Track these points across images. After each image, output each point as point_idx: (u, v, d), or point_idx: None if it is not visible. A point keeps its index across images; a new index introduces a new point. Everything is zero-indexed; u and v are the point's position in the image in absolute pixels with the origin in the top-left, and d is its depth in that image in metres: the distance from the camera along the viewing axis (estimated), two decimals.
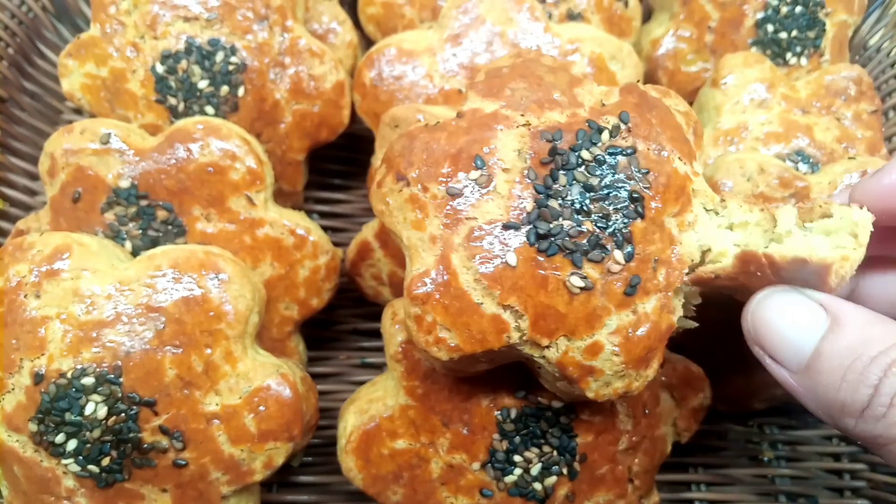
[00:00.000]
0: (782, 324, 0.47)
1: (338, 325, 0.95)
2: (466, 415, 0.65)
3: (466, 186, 0.52)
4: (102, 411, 0.62)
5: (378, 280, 0.84)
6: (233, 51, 0.80)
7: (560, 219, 0.51)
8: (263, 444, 0.66)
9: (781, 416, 0.91)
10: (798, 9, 0.92)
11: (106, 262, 0.66)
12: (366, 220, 0.94)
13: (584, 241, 0.51)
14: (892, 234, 0.52)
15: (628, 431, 0.68)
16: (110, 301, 0.63)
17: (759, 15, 0.92)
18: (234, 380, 0.65)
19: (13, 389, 0.63)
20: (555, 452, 0.65)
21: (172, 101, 0.80)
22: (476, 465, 0.66)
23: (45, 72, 0.98)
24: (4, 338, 0.63)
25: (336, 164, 1.02)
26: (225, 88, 0.80)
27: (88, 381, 0.61)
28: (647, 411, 0.70)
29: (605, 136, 0.53)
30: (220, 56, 0.79)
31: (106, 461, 0.63)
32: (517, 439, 0.65)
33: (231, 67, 0.80)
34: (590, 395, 0.53)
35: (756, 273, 0.51)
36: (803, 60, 0.93)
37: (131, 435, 0.63)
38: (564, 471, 0.66)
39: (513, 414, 0.65)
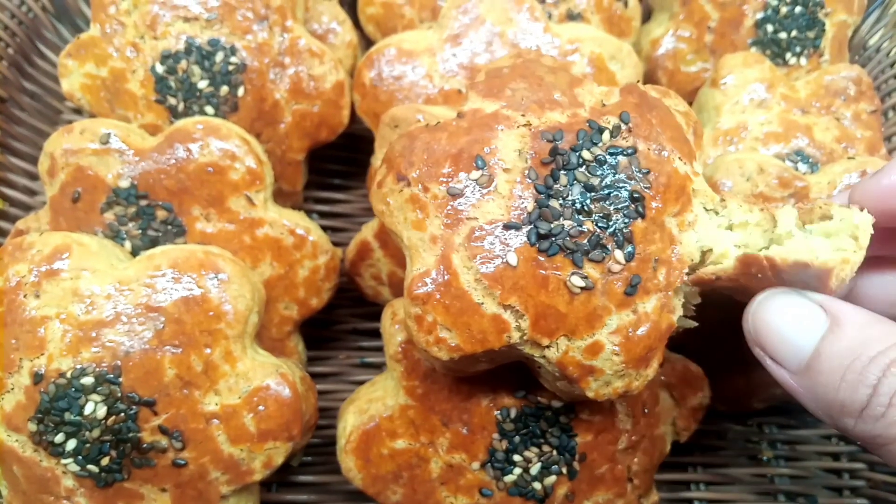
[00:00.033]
0: (782, 325, 0.48)
1: (337, 325, 0.95)
2: (466, 414, 0.65)
3: (467, 186, 0.52)
4: (102, 411, 0.62)
5: (377, 280, 0.84)
6: (233, 51, 0.80)
7: (561, 219, 0.51)
8: (263, 444, 0.66)
9: (780, 415, 0.91)
10: (797, 9, 0.92)
11: (105, 262, 0.66)
12: (365, 220, 0.94)
13: (585, 240, 0.51)
14: (890, 235, 0.52)
15: (628, 431, 0.68)
16: (110, 301, 0.63)
17: (759, 15, 0.92)
18: (233, 379, 0.65)
19: (13, 389, 0.63)
20: (554, 452, 0.65)
21: (172, 101, 0.80)
22: (476, 465, 0.66)
23: (45, 72, 0.98)
24: (4, 337, 0.63)
25: (336, 164, 1.02)
26: (225, 88, 0.80)
27: (88, 380, 0.61)
28: (646, 411, 0.70)
29: (606, 136, 0.53)
30: (219, 56, 0.79)
31: (105, 461, 0.63)
32: (517, 439, 0.65)
33: (231, 67, 0.80)
34: (590, 394, 0.53)
35: (757, 275, 0.51)
36: (803, 60, 0.93)
37: (131, 435, 0.63)
38: (564, 470, 0.66)
39: (512, 413, 0.65)
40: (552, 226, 0.51)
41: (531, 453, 0.65)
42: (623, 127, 0.54)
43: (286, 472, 0.83)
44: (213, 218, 0.74)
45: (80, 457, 0.62)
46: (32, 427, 0.62)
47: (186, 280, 0.65)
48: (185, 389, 0.64)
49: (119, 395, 0.62)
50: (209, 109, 0.80)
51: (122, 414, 0.62)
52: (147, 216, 0.73)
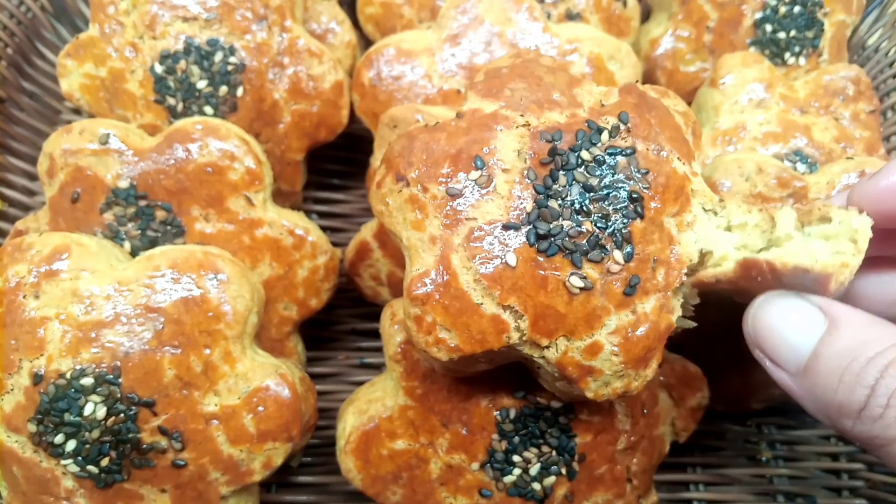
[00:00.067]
0: (781, 327, 0.48)
1: (336, 326, 0.95)
2: (465, 415, 0.65)
3: (466, 187, 0.52)
4: (101, 412, 0.62)
5: (377, 280, 0.84)
6: (231, 51, 0.80)
7: (560, 219, 0.51)
8: (262, 445, 0.66)
9: (779, 415, 0.91)
10: (796, 9, 0.92)
11: (105, 263, 0.66)
12: (364, 221, 0.94)
13: (584, 241, 0.51)
14: (888, 236, 0.52)
15: (627, 431, 0.68)
16: (109, 301, 0.63)
17: (758, 15, 0.92)
18: (232, 380, 0.65)
19: (12, 390, 0.63)
20: (554, 452, 0.66)
21: (171, 101, 0.80)
22: (475, 466, 0.66)
23: (44, 72, 0.98)
24: (4, 338, 0.63)
25: (335, 165, 1.02)
26: (224, 88, 0.80)
27: (87, 381, 0.61)
28: (645, 411, 0.70)
29: (605, 136, 0.53)
30: (218, 56, 0.79)
31: (105, 461, 0.63)
32: (516, 439, 0.65)
33: (230, 67, 0.79)
34: (589, 395, 0.54)
35: (757, 278, 0.51)
36: (801, 60, 0.93)
37: (130, 435, 0.63)
38: (563, 471, 0.66)
39: (512, 414, 0.65)
40: (551, 226, 0.51)
41: (530, 454, 0.65)
42: (622, 127, 0.54)
43: (286, 472, 0.83)
44: (213, 218, 0.74)
45: (79, 457, 0.62)
46: (32, 428, 0.62)
47: (186, 280, 0.65)
48: (184, 390, 0.64)
49: (119, 395, 0.62)
50: (208, 109, 0.80)
51: (122, 415, 0.62)
52: (146, 216, 0.73)
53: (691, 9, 0.94)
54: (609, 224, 0.51)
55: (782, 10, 0.92)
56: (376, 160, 0.80)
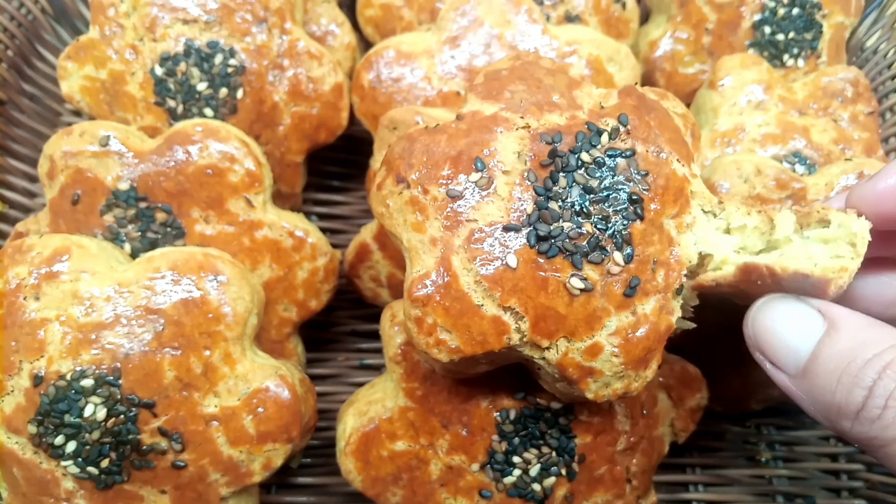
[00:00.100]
0: (781, 329, 0.49)
1: (336, 327, 0.95)
2: (465, 416, 0.66)
3: (467, 188, 0.52)
4: (102, 413, 0.62)
5: (376, 282, 0.85)
6: (231, 53, 0.80)
7: (560, 220, 0.51)
8: (262, 446, 0.66)
9: (779, 416, 0.91)
10: (795, 11, 0.92)
11: (105, 265, 0.66)
12: (364, 222, 0.94)
13: (584, 242, 0.51)
14: (886, 237, 0.53)
15: (626, 432, 0.68)
16: (109, 303, 0.63)
17: (757, 17, 0.92)
18: (232, 381, 0.66)
19: (12, 391, 0.63)
20: (553, 453, 0.66)
21: (171, 103, 0.80)
22: (475, 467, 0.66)
23: (45, 74, 0.98)
24: (4, 340, 0.63)
25: (335, 166, 1.02)
26: (224, 90, 0.80)
27: (88, 382, 0.61)
28: (644, 412, 0.70)
29: (605, 138, 0.53)
30: (218, 58, 0.79)
31: (105, 463, 0.63)
32: (516, 440, 0.65)
33: (230, 70, 0.80)
34: (589, 395, 0.54)
35: (757, 282, 0.51)
36: (800, 62, 0.94)
37: (130, 437, 0.63)
38: (563, 471, 0.66)
39: (512, 415, 0.65)
40: (551, 228, 0.51)
41: (530, 455, 0.65)
42: (621, 129, 0.54)
43: (285, 473, 0.83)
44: (213, 220, 0.74)
45: (79, 459, 0.62)
46: (32, 429, 0.62)
47: (186, 282, 0.65)
48: (184, 391, 0.64)
49: (119, 397, 0.62)
50: (208, 111, 0.80)
51: (122, 416, 0.62)
52: (146, 218, 0.73)
53: (690, 11, 0.94)
54: (609, 225, 0.52)
55: (781, 11, 0.92)
56: (376, 162, 0.80)
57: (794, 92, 0.88)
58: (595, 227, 0.51)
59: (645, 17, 1.03)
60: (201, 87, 0.79)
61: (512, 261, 0.51)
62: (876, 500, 0.85)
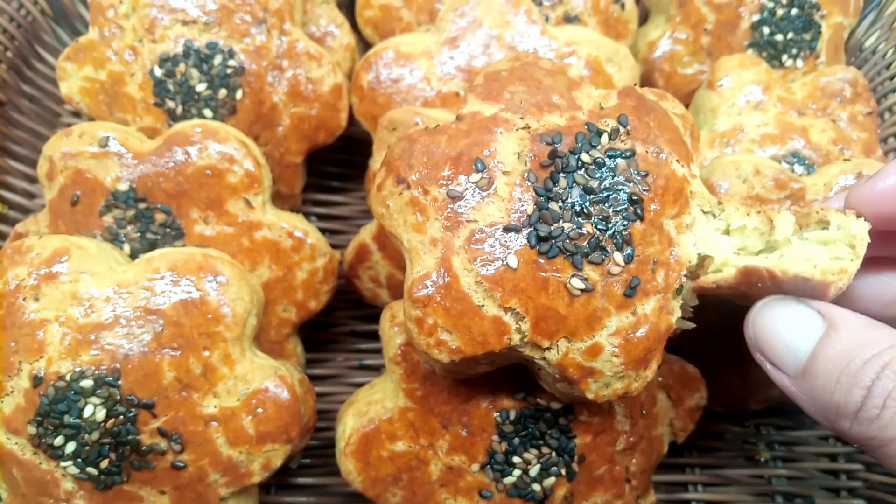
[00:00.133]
0: (781, 330, 0.49)
1: (336, 328, 0.95)
2: (465, 416, 0.66)
3: (467, 189, 0.52)
4: (101, 414, 0.62)
5: (376, 282, 0.85)
6: (231, 54, 0.80)
7: (560, 221, 0.51)
8: (261, 446, 0.66)
9: (778, 416, 0.91)
10: (794, 11, 0.92)
11: (104, 265, 0.66)
12: (364, 223, 0.94)
13: (585, 243, 0.51)
14: (885, 237, 0.53)
15: (626, 432, 0.68)
16: (109, 304, 0.63)
17: (755, 17, 0.92)
18: (232, 382, 0.66)
19: (12, 392, 0.63)
20: (553, 453, 0.66)
21: (171, 104, 0.80)
22: (475, 467, 0.66)
23: (44, 75, 0.98)
24: (3, 341, 0.63)
25: (334, 167, 1.02)
26: (223, 91, 0.80)
27: (87, 383, 0.61)
28: (644, 412, 0.70)
29: (605, 138, 0.53)
30: (218, 59, 0.79)
31: (104, 463, 0.63)
32: (516, 441, 0.65)
33: (229, 71, 0.80)
34: (590, 396, 0.54)
35: (757, 284, 0.52)
36: (799, 62, 0.94)
37: (130, 437, 0.63)
38: (563, 472, 0.66)
39: (512, 415, 0.65)
40: (552, 228, 0.51)
41: (530, 455, 0.65)
42: (621, 130, 0.54)
43: (285, 474, 0.83)
44: (212, 221, 0.74)
45: (79, 459, 0.62)
46: (32, 430, 0.62)
47: (185, 283, 0.65)
48: (183, 392, 0.64)
49: (118, 397, 0.62)
50: (207, 112, 0.80)
51: (122, 416, 0.62)
52: (146, 219, 0.73)
53: (689, 11, 0.94)
54: (609, 226, 0.52)
55: (780, 12, 0.92)
56: (375, 163, 0.80)
57: (792, 92, 0.88)
58: (595, 227, 0.51)
59: (644, 18, 1.03)
60: (200, 88, 0.79)
61: (512, 261, 0.51)
62: (875, 500, 0.85)
